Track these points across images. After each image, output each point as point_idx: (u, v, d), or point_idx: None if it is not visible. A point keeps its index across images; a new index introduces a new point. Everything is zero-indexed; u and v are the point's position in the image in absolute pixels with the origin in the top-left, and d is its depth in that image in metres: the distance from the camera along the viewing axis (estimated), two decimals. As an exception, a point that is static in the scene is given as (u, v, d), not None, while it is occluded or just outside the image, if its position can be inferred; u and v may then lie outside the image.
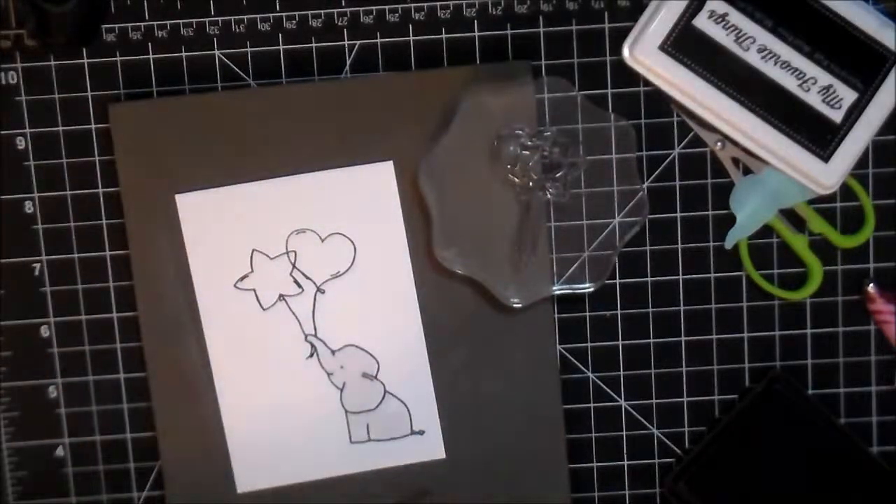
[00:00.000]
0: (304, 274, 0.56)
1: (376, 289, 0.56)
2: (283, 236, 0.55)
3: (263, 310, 0.56)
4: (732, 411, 0.57)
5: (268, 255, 0.56)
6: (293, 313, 0.56)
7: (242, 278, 0.56)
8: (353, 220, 0.55)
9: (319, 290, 0.56)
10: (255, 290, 0.56)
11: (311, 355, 0.56)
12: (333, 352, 0.56)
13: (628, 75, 0.56)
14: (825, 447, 0.56)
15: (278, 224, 0.55)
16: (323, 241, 0.55)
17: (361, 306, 0.56)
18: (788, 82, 0.54)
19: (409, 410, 0.56)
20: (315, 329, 0.56)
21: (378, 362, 0.56)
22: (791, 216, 0.57)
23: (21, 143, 0.56)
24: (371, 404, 0.56)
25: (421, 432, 0.56)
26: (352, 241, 0.56)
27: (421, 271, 0.56)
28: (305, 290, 0.56)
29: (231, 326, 0.55)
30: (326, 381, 0.56)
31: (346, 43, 0.56)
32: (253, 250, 0.55)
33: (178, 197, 0.55)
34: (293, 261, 0.55)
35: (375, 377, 0.56)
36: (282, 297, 0.56)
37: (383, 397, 0.56)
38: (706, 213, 0.57)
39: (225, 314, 0.55)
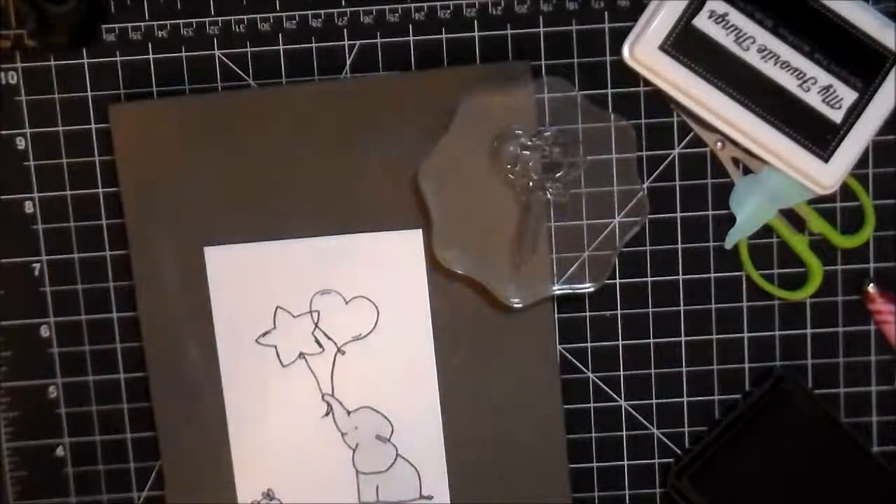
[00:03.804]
0: (325, 334, 0.56)
1: (396, 354, 0.56)
2: (307, 296, 0.56)
3: (283, 366, 0.56)
4: (737, 409, 0.57)
5: (291, 314, 0.56)
6: (312, 372, 0.56)
7: (264, 334, 0.56)
8: (378, 284, 0.56)
9: (340, 350, 0.56)
10: (276, 347, 0.56)
11: (327, 414, 0.56)
12: (349, 412, 0.56)
13: (628, 75, 0.56)
14: (828, 446, 0.56)
15: (303, 283, 0.56)
16: (347, 303, 0.56)
17: (380, 370, 0.56)
18: (788, 82, 0.54)
19: (419, 475, 0.56)
20: (332, 389, 0.56)
21: (392, 425, 0.56)
22: (791, 216, 0.57)
23: (21, 143, 0.56)
24: (382, 466, 0.57)
25: (429, 497, 0.57)
26: (375, 306, 0.56)
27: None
28: (326, 350, 0.56)
29: (250, 380, 0.56)
30: (340, 441, 0.56)
31: (346, 43, 0.56)
32: (277, 307, 0.56)
33: (206, 250, 0.55)
34: (316, 320, 0.56)
35: (388, 440, 0.56)
36: (302, 355, 0.56)
37: (395, 460, 0.56)
38: (706, 213, 0.57)
39: (245, 368, 0.56)
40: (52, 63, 0.56)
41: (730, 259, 0.57)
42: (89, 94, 0.56)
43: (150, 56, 0.56)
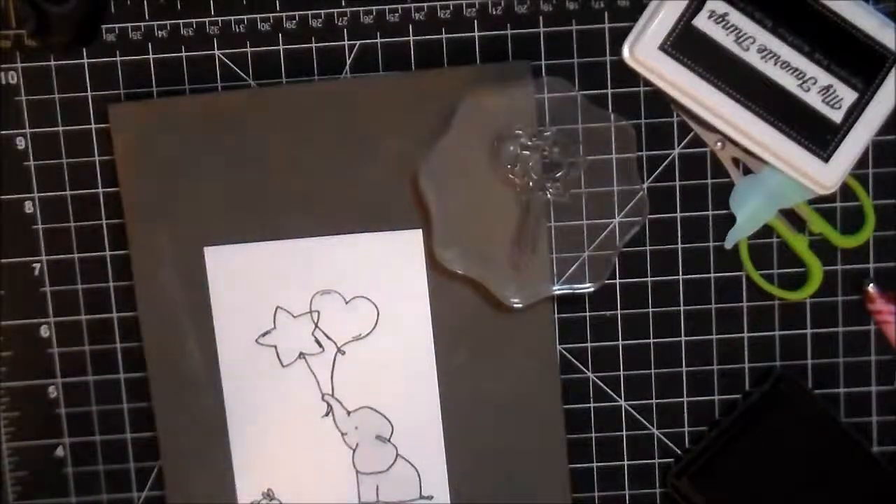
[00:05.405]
0: (325, 334, 0.56)
1: (396, 354, 0.56)
2: (307, 296, 0.56)
3: (283, 366, 0.56)
4: (737, 409, 0.57)
5: (291, 314, 0.56)
6: (312, 372, 0.56)
7: (264, 334, 0.56)
8: (378, 284, 0.56)
9: (340, 350, 0.56)
10: (275, 347, 0.56)
11: (327, 414, 0.56)
12: (349, 412, 0.56)
13: (628, 75, 0.56)
14: (828, 446, 0.56)
15: (303, 283, 0.56)
16: (347, 303, 0.56)
17: (380, 370, 0.56)
18: (788, 82, 0.54)
19: (419, 475, 0.57)
20: (332, 389, 0.56)
21: (392, 425, 0.56)
22: (791, 216, 0.57)
23: (21, 143, 0.56)
24: (382, 466, 0.57)
25: (429, 497, 0.57)
26: (375, 306, 0.56)
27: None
28: (326, 350, 0.56)
29: (249, 380, 0.56)
30: (340, 441, 0.56)
31: (346, 43, 0.56)
32: (277, 307, 0.56)
33: (206, 250, 0.55)
34: (316, 320, 0.56)
35: (388, 440, 0.56)
36: (302, 355, 0.56)
37: (395, 460, 0.56)
38: (706, 213, 0.57)
39: (244, 368, 0.56)
40: (52, 63, 0.56)
41: (730, 259, 0.57)
42: (89, 94, 0.56)
43: (150, 56, 0.56)
